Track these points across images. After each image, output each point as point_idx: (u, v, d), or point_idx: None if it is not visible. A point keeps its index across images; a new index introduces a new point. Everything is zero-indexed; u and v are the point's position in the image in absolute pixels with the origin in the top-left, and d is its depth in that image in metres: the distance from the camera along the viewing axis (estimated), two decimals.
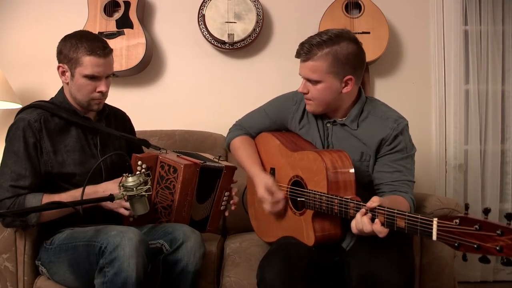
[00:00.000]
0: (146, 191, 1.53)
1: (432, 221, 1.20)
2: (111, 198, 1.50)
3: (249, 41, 2.71)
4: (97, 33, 2.54)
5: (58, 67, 1.75)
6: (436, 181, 2.86)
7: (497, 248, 1.05)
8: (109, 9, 2.64)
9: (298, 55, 1.65)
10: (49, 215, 1.67)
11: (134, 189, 1.51)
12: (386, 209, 1.33)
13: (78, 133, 1.78)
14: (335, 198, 1.49)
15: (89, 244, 1.58)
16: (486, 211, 1.10)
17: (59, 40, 1.75)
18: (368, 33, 2.66)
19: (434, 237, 1.19)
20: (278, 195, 1.69)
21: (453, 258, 1.85)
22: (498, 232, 1.05)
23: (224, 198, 1.93)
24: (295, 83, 1.98)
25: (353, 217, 1.43)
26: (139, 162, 1.75)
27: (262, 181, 1.73)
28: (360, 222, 1.38)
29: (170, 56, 2.85)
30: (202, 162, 1.81)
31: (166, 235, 1.71)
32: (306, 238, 1.63)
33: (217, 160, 1.92)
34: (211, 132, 2.58)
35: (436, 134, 2.87)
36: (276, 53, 2.85)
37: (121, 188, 1.52)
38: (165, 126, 2.61)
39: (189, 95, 2.84)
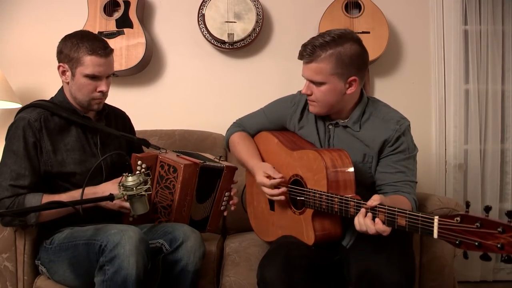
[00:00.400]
0: (146, 190, 1.53)
1: (433, 219, 1.20)
2: (111, 197, 1.50)
3: (249, 40, 2.71)
4: (97, 32, 2.54)
5: (59, 66, 1.75)
6: (436, 180, 2.86)
7: (498, 245, 1.05)
8: (109, 9, 2.64)
9: (301, 56, 1.63)
10: (48, 215, 1.67)
11: (134, 188, 1.51)
12: (386, 207, 1.33)
13: (78, 132, 1.78)
14: (335, 197, 1.49)
15: (89, 242, 1.58)
16: (487, 209, 1.10)
17: (59, 40, 1.76)
18: (368, 33, 2.66)
19: (435, 235, 1.19)
20: (277, 176, 1.67)
21: (453, 258, 1.85)
22: (499, 229, 1.05)
23: (224, 198, 1.93)
24: (295, 83, 1.99)
25: (353, 215, 1.43)
26: (139, 162, 1.75)
27: (260, 168, 1.73)
28: (364, 224, 1.38)
29: (170, 55, 2.85)
30: (202, 162, 1.81)
31: (166, 235, 1.71)
32: (306, 237, 1.63)
33: (217, 160, 1.92)
34: (211, 131, 2.58)
35: (436, 133, 2.87)
36: (276, 53, 2.85)
37: (121, 187, 1.52)
38: (165, 125, 2.61)
39: (189, 95, 2.84)
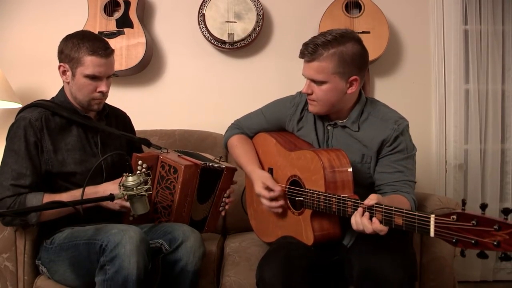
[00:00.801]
0: (146, 190, 1.54)
1: (429, 218, 1.20)
2: (111, 197, 1.50)
3: (249, 40, 2.71)
4: (97, 32, 2.54)
5: (59, 66, 1.75)
6: (436, 180, 2.86)
7: (495, 243, 1.05)
8: (109, 9, 2.64)
9: (302, 55, 1.63)
10: (49, 215, 1.68)
11: (134, 188, 1.51)
12: (383, 206, 1.34)
13: (78, 132, 1.79)
14: (333, 197, 1.49)
15: (90, 242, 1.58)
16: (483, 207, 1.10)
17: (59, 40, 1.76)
18: (368, 32, 2.66)
19: (432, 234, 1.20)
20: (276, 190, 1.68)
21: (453, 258, 1.85)
22: (495, 227, 1.05)
23: (223, 199, 1.93)
24: (295, 83, 1.99)
25: (351, 215, 1.43)
26: (140, 162, 1.75)
27: (258, 177, 1.73)
28: (360, 223, 1.38)
29: (170, 55, 2.85)
30: (203, 163, 1.81)
31: (165, 235, 1.71)
32: (305, 238, 1.63)
33: (217, 161, 1.92)
34: (211, 131, 2.58)
35: (436, 133, 2.87)
36: (276, 53, 2.85)
37: (121, 187, 1.52)
38: (165, 125, 2.61)
39: (189, 95, 2.85)
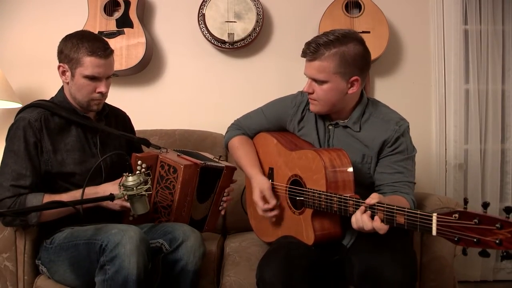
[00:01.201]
0: (146, 190, 1.54)
1: (431, 216, 1.21)
2: (111, 197, 1.50)
3: (249, 40, 2.71)
4: (97, 32, 2.55)
5: (59, 66, 1.75)
6: (436, 180, 2.86)
7: (497, 241, 1.06)
8: (109, 9, 2.64)
9: (304, 54, 1.63)
10: (49, 215, 1.67)
11: (134, 188, 1.51)
12: (385, 205, 1.34)
13: (78, 132, 1.78)
14: (334, 196, 1.49)
15: (90, 242, 1.58)
16: (485, 205, 1.10)
17: (59, 40, 1.75)
18: (368, 32, 2.66)
19: (434, 232, 1.20)
20: (271, 202, 1.69)
21: (453, 258, 1.85)
22: (497, 225, 1.05)
23: (223, 198, 1.93)
24: (295, 83, 1.99)
25: (352, 214, 1.43)
26: (139, 162, 1.75)
27: (258, 185, 1.74)
28: (360, 220, 1.38)
29: (170, 55, 2.85)
30: (202, 162, 1.81)
31: (165, 235, 1.71)
32: (305, 237, 1.63)
33: (217, 160, 1.92)
34: (211, 131, 2.58)
35: (436, 133, 2.87)
36: (276, 53, 2.85)
37: (121, 187, 1.52)
38: (165, 125, 2.61)
39: (189, 95, 2.85)
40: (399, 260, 1.46)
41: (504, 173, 2.91)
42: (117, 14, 2.64)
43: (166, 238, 1.70)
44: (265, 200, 1.71)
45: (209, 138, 2.54)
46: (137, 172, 1.57)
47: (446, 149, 2.87)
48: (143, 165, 1.75)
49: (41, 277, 1.79)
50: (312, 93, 1.67)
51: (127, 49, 2.60)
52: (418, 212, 1.25)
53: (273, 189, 1.75)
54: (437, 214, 1.19)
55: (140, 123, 2.21)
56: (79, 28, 2.34)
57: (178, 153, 1.87)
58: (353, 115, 1.71)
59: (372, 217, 1.37)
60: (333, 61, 1.58)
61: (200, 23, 2.72)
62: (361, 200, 1.42)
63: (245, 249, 1.93)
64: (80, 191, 1.53)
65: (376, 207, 1.36)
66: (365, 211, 1.38)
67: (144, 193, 1.53)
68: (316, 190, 1.56)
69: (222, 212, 1.97)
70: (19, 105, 2.53)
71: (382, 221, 1.34)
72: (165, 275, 1.68)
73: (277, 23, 2.87)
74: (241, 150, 1.89)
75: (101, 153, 1.80)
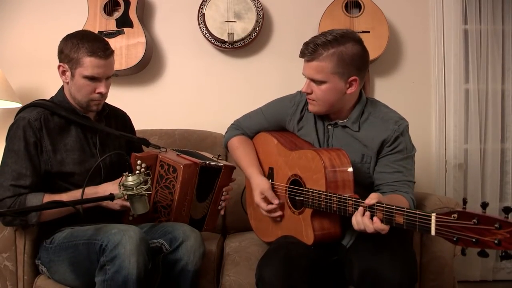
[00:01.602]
0: (146, 190, 1.54)
1: (430, 216, 1.21)
2: (111, 197, 1.50)
3: (249, 40, 2.71)
4: (96, 32, 2.54)
5: (59, 66, 1.75)
6: (436, 180, 2.86)
7: (495, 241, 1.06)
8: (109, 8, 2.64)
9: (302, 54, 1.64)
10: (49, 215, 1.67)
11: (134, 188, 1.51)
12: (384, 205, 1.34)
13: (77, 132, 1.78)
14: (334, 196, 1.50)
15: (90, 242, 1.58)
16: (484, 205, 1.10)
17: (59, 40, 1.75)
18: (368, 32, 2.66)
19: (433, 232, 1.20)
20: (274, 202, 1.70)
21: (453, 258, 1.85)
22: (496, 225, 1.06)
23: (222, 197, 1.93)
24: (295, 83, 1.99)
25: (352, 214, 1.43)
26: (139, 162, 1.75)
27: (258, 186, 1.74)
28: (362, 223, 1.38)
29: (170, 55, 2.85)
30: (202, 161, 1.81)
31: (166, 234, 1.71)
32: (305, 237, 1.63)
33: (216, 159, 1.92)
34: (211, 131, 2.58)
35: (436, 133, 2.87)
36: (276, 52, 2.85)
37: (121, 187, 1.52)
38: (165, 125, 2.61)
39: (189, 94, 2.85)
40: (398, 261, 1.46)
41: (504, 173, 2.91)
42: (117, 14, 2.64)
43: (166, 238, 1.70)
44: (266, 201, 1.71)
45: (209, 138, 2.54)
46: (137, 172, 1.57)
47: (446, 149, 2.87)
48: (143, 165, 1.75)
49: (41, 277, 1.79)
50: (311, 93, 1.67)
51: (127, 49, 2.60)
52: (417, 212, 1.25)
53: (273, 189, 1.75)
54: (436, 214, 1.19)
55: (140, 123, 2.21)
56: (79, 28, 2.34)
57: (178, 153, 1.87)
58: (352, 115, 1.71)
59: (371, 217, 1.37)
60: (331, 61, 1.58)
61: (200, 23, 2.72)
62: (360, 200, 1.42)
63: (245, 249, 1.93)
64: (80, 191, 1.53)
65: (375, 207, 1.36)
66: (364, 212, 1.38)
67: (144, 192, 1.53)
68: (316, 190, 1.56)
69: (222, 212, 1.97)
70: (19, 105, 2.53)
71: (381, 221, 1.35)
72: (165, 275, 1.68)
73: (277, 23, 2.87)
74: (240, 150, 1.89)
75: (100, 153, 1.80)
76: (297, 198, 1.64)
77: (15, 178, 1.65)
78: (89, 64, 1.68)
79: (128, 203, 1.59)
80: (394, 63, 2.89)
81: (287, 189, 1.71)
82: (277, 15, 2.86)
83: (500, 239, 1.05)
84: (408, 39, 2.89)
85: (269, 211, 1.71)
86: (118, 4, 2.65)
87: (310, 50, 1.60)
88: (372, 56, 2.62)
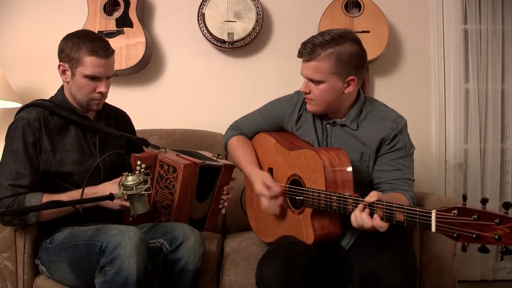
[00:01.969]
0: (145, 190, 1.54)
1: (430, 213, 1.21)
2: (111, 197, 1.50)
3: (249, 40, 2.71)
4: (96, 32, 2.54)
5: (59, 65, 1.75)
6: (436, 180, 2.86)
7: (496, 237, 1.06)
8: (109, 8, 2.64)
9: (300, 54, 1.64)
10: (48, 215, 1.67)
11: (134, 188, 1.51)
12: (384, 203, 1.34)
13: (77, 132, 1.78)
14: (334, 195, 1.50)
15: (90, 243, 1.58)
16: (484, 201, 1.10)
17: (59, 39, 1.75)
18: (368, 32, 2.66)
19: (433, 229, 1.20)
20: (275, 189, 1.67)
21: (453, 257, 1.85)
22: (496, 221, 1.06)
23: (222, 196, 1.93)
24: (295, 82, 1.99)
25: (351, 212, 1.43)
26: (138, 162, 1.74)
27: (258, 177, 1.73)
28: (360, 219, 1.38)
29: (169, 55, 2.85)
30: (202, 161, 1.81)
31: (166, 234, 1.71)
32: (305, 237, 1.63)
33: (215, 159, 1.92)
34: (211, 131, 2.58)
35: (435, 133, 2.88)
36: (275, 52, 2.85)
37: (121, 187, 1.52)
38: (165, 125, 2.61)
39: (189, 94, 2.85)
40: (398, 262, 1.45)
41: (503, 173, 2.91)
42: (117, 14, 2.64)
43: (166, 238, 1.70)
44: (268, 188, 1.69)
45: (208, 137, 2.54)
46: (137, 172, 1.57)
47: (445, 149, 2.87)
48: (143, 165, 1.75)
49: (41, 276, 1.79)
50: (309, 93, 1.67)
51: (126, 48, 2.60)
52: (417, 209, 1.25)
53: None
54: (436, 211, 1.19)
55: (139, 123, 2.21)
56: (79, 28, 2.33)
57: (177, 153, 1.87)
58: (351, 114, 1.71)
59: (371, 215, 1.37)
60: (329, 61, 1.58)
61: (199, 22, 2.72)
62: (360, 198, 1.42)
63: (245, 249, 1.93)
64: (79, 191, 1.53)
65: (375, 205, 1.36)
66: (364, 209, 1.38)
67: (143, 192, 1.53)
68: (315, 189, 1.56)
69: (223, 211, 1.97)
70: (19, 105, 2.53)
71: (381, 218, 1.35)
72: (165, 274, 1.68)
73: (276, 22, 2.87)
74: (239, 150, 1.89)
75: (100, 153, 1.80)
76: (297, 198, 1.64)
77: (14, 177, 1.65)
78: (89, 63, 1.68)
79: (127, 203, 1.59)
80: (394, 63, 2.89)
81: (287, 189, 1.71)
82: (277, 15, 2.86)
83: (501, 235, 1.05)
84: (408, 39, 2.89)
85: (271, 198, 1.68)
86: (118, 4, 2.65)
87: (308, 50, 1.60)
88: (372, 56, 2.64)
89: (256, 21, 2.69)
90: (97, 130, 1.82)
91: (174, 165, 1.76)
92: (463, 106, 2.85)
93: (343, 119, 1.72)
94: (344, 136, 1.72)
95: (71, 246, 1.65)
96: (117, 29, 2.61)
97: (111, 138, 1.87)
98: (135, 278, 1.48)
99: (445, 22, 2.85)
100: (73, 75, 1.72)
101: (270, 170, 1.82)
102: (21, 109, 1.77)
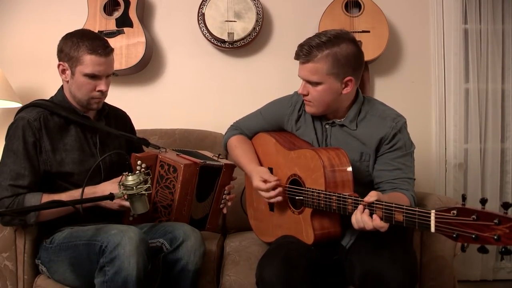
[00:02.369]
0: (146, 190, 1.54)
1: (429, 213, 1.21)
2: (111, 197, 1.50)
3: (249, 40, 2.71)
4: (96, 32, 2.54)
5: (59, 65, 1.75)
6: (436, 180, 2.86)
7: (495, 237, 1.06)
8: (109, 8, 2.64)
9: (297, 56, 1.64)
10: (48, 215, 1.67)
11: (134, 188, 1.51)
12: (384, 203, 1.34)
13: (77, 132, 1.78)
14: (333, 195, 1.50)
15: (89, 243, 1.58)
16: (483, 201, 1.10)
17: (59, 39, 1.75)
18: (368, 32, 2.66)
19: (433, 229, 1.20)
20: (271, 180, 1.67)
21: (453, 257, 1.85)
22: (495, 221, 1.06)
23: (223, 196, 1.93)
24: (295, 82, 1.98)
25: (351, 212, 1.43)
26: (139, 162, 1.74)
27: (257, 172, 1.73)
28: (361, 221, 1.38)
29: (170, 55, 2.85)
30: (202, 161, 1.81)
31: (166, 234, 1.71)
32: (305, 237, 1.63)
33: (216, 158, 1.92)
34: (211, 131, 2.58)
35: (436, 133, 2.87)
36: (275, 52, 2.85)
37: (121, 187, 1.52)
38: (165, 125, 2.61)
39: (189, 94, 2.85)
40: (399, 262, 1.45)
41: (504, 173, 2.91)
42: (117, 14, 2.64)
43: (166, 237, 1.70)
44: (266, 182, 1.69)
45: (209, 137, 2.54)
46: (137, 171, 1.57)
47: (446, 149, 2.87)
48: (143, 165, 1.75)
49: (41, 276, 1.79)
50: (307, 95, 1.67)
51: (127, 48, 2.60)
52: (417, 209, 1.25)
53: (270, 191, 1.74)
54: (436, 211, 1.19)
55: (140, 123, 2.21)
56: (79, 27, 2.33)
57: (177, 153, 1.86)
58: (350, 114, 1.71)
59: (370, 215, 1.37)
60: (326, 62, 1.58)
61: (200, 22, 2.72)
62: (359, 198, 1.42)
63: (245, 249, 1.93)
64: (79, 190, 1.53)
65: (374, 205, 1.36)
66: (363, 210, 1.38)
67: (144, 192, 1.53)
68: (315, 189, 1.56)
69: (224, 211, 1.97)
70: (19, 105, 2.53)
71: (381, 219, 1.35)
72: (165, 274, 1.68)
73: (277, 22, 2.87)
74: (239, 149, 1.90)
75: (100, 152, 1.80)
76: (297, 198, 1.64)
77: (14, 178, 1.65)
78: (89, 62, 1.68)
79: (127, 203, 1.59)
80: (394, 62, 2.89)
81: (287, 189, 1.71)
82: (277, 15, 2.86)
83: (500, 235, 1.05)
84: (408, 38, 2.89)
85: (268, 190, 1.68)
86: (118, 4, 2.65)
87: (304, 52, 1.60)
88: (372, 55, 2.64)
89: (256, 21, 2.69)
90: (97, 130, 1.82)
91: (174, 165, 1.76)
92: (463, 106, 2.85)
93: (342, 119, 1.72)
94: (343, 136, 1.72)
95: (71, 246, 1.65)
96: (117, 29, 2.61)
97: (111, 137, 1.87)
98: (135, 278, 1.48)
99: (445, 22, 2.85)
100: (72, 74, 1.72)
101: (270, 170, 1.81)
102: (21, 109, 1.77)
